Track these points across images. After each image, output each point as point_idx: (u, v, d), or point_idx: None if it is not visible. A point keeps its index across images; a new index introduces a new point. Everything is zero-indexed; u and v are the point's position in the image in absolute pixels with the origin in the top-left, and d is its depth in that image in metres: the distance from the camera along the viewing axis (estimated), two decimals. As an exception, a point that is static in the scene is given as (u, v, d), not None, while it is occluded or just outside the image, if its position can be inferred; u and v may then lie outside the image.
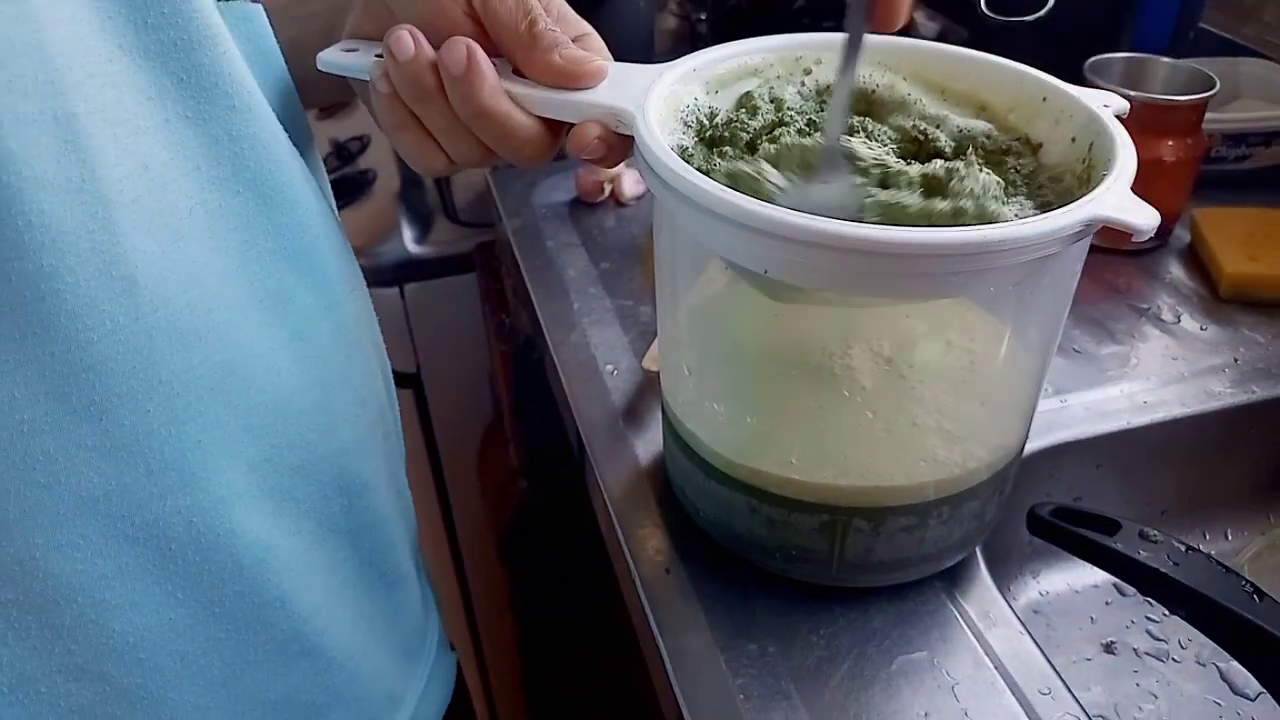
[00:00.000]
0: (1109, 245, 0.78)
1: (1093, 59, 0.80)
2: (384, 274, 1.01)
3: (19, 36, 0.32)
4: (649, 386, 0.64)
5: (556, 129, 0.43)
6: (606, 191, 0.87)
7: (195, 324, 0.39)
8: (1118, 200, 0.37)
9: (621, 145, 0.43)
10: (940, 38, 1.15)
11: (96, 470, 0.38)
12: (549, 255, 0.79)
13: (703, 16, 1.31)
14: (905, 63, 0.48)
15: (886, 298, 0.41)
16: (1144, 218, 0.36)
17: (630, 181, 0.87)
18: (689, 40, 1.36)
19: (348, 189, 1.11)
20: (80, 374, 0.36)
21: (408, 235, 1.04)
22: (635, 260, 0.78)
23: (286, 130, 0.43)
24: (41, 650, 0.39)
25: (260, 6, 0.44)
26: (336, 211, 0.49)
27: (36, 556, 0.37)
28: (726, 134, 0.45)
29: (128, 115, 0.36)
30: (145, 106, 0.37)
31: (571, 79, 0.42)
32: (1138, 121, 0.44)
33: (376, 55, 0.45)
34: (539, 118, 0.43)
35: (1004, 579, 0.52)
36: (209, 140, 0.39)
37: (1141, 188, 0.38)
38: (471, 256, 1.03)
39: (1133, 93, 0.73)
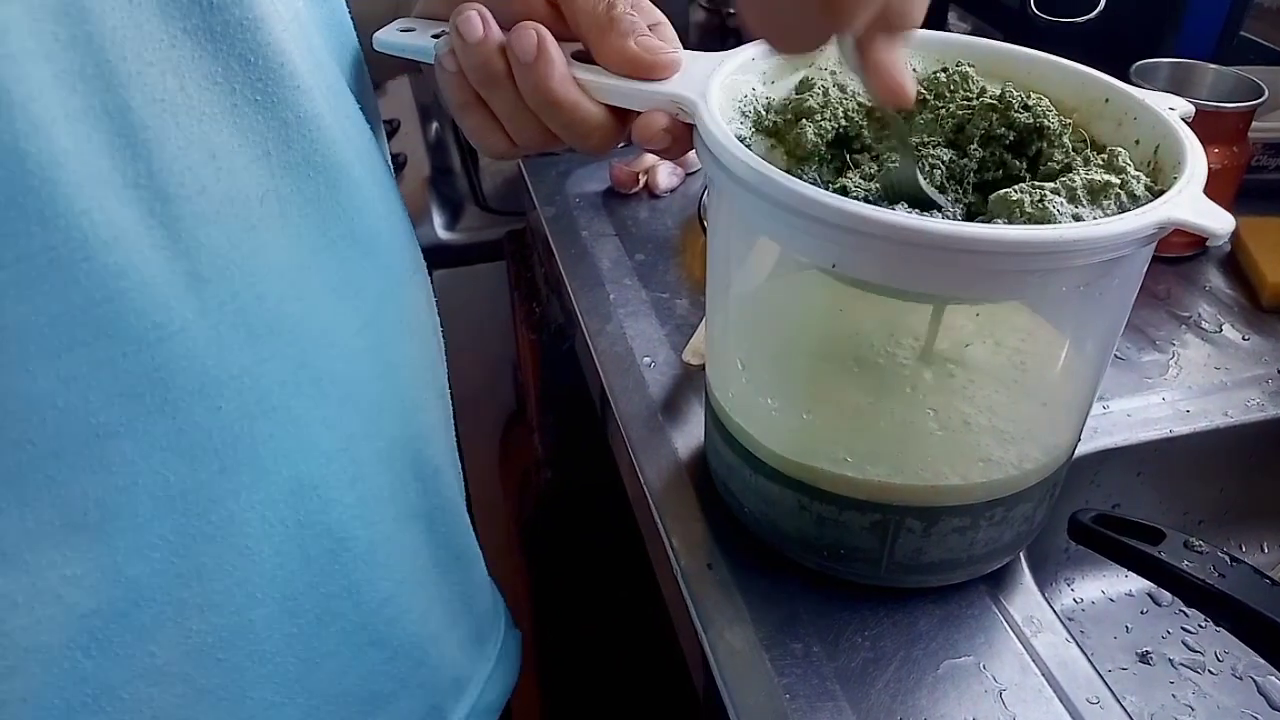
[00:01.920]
0: (1149, 251, 0.77)
1: (1138, 63, 0.79)
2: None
3: (64, 30, 0.31)
4: (687, 380, 0.63)
5: (624, 117, 0.43)
6: (641, 183, 0.86)
7: (266, 316, 0.38)
8: (1191, 203, 0.37)
9: (685, 137, 0.42)
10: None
11: (172, 470, 0.37)
12: (584, 245, 0.78)
13: (732, 10, 1.30)
14: (968, 60, 0.47)
15: (955, 294, 0.41)
16: (1219, 222, 0.36)
17: (664, 173, 0.86)
18: (719, 34, 1.35)
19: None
20: (151, 373, 0.35)
21: (437, 221, 1.04)
22: (670, 252, 0.78)
23: (359, 103, 0.42)
24: (123, 657, 0.38)
25: None
26: (398, 189, 0.48)
27: (118, 561, 0.37)
28: (791, 116, 0.44)
29: (192, 103, 0.35)
30: (212, 92, 0.35)
31: (646, 69, 0.41)
32: (1183, 127, 0.43)
33: (433, 35, 0.44)
34: (607, 105, 0.42)
35: (1039, 585, 0.51)
36: (279, 123, 0.38)
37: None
38: (501, 244, 1.02)
39: (1180, 98, 0.72)
